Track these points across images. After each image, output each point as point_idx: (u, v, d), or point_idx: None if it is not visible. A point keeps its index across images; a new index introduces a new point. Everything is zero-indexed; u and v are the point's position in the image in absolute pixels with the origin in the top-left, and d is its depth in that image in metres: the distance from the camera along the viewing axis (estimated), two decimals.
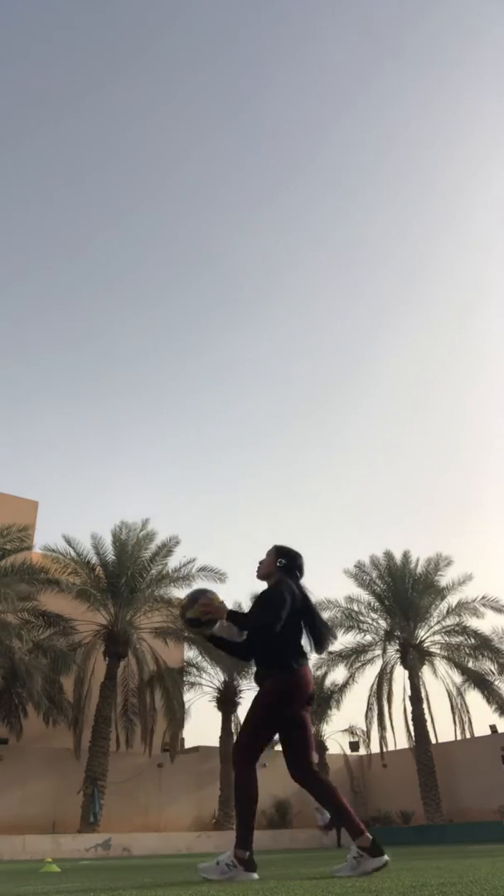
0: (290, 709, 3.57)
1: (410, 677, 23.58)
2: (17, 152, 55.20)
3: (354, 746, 25.93)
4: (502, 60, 56.49)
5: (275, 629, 3.57)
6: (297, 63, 56.96)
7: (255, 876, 3.37)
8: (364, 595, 24.89)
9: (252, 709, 3.61)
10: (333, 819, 3.50)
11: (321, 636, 3.81)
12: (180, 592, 22.61)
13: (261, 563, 4.00)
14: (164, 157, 62.40)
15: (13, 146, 54.18)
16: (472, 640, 23.57)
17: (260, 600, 3.86)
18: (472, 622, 23.89)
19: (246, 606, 27.45)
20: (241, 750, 3.56)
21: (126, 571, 21.29)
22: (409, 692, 23.57)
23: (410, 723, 23.38)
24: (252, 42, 57.29)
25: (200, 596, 3.79)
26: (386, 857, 3.36)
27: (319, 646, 3.81)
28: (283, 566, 3.92)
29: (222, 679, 23.70)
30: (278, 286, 65.68)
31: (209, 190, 63.37)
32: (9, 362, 57.35)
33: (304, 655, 3.69)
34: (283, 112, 61.01)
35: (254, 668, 3.80)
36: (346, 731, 25.81)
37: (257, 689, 3.73)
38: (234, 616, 3.74)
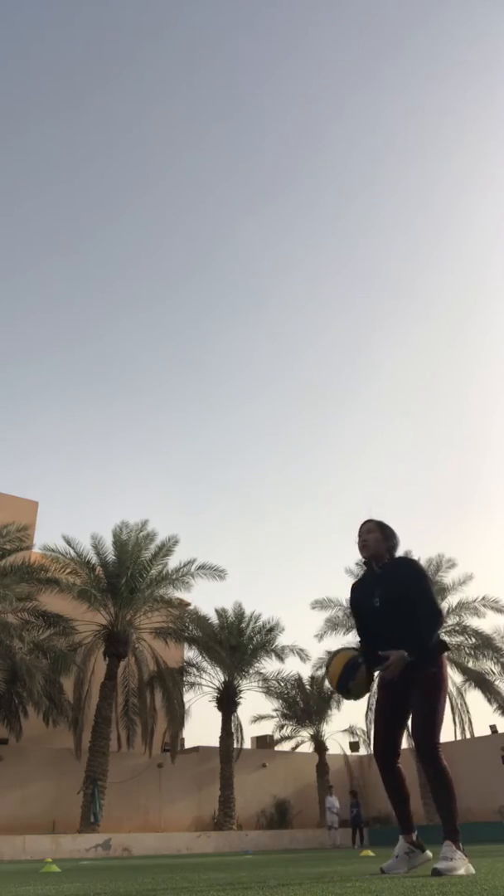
0: None
1: None
2: (15, 150, 55.24)
3: (354, 746, 25.87)
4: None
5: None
6: (296, 62, 56.96)
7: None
8: None
9: (431, 695, 3.40)
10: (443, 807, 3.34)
11: None
12: (180, 592, 22.63)
13: (366, 540, 3.69)
14: (161, 158, 62.42)
15: (11, 144, 54.20)
16: (473, 640, 23.52)
17: (407, 578, 3.55)
18: (473, 622, 23.87)
19: (246, 606, 27.37)
20: (437, 739, 3.37)
21: (126, 571, 21.25)
22: None
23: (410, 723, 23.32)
24: (250, 42, 57.31)
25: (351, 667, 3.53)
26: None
27: None
28: (390, 547, 3.69)
29: (222, 679, 23.66)
30: (277, 287, 65.72)
31: (208, 190, 63.39)
32: (9, 362, 57.38)
33: None
34: (281, 111, 61.02)
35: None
36: (346, 731, 25.75)
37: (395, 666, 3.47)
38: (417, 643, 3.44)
